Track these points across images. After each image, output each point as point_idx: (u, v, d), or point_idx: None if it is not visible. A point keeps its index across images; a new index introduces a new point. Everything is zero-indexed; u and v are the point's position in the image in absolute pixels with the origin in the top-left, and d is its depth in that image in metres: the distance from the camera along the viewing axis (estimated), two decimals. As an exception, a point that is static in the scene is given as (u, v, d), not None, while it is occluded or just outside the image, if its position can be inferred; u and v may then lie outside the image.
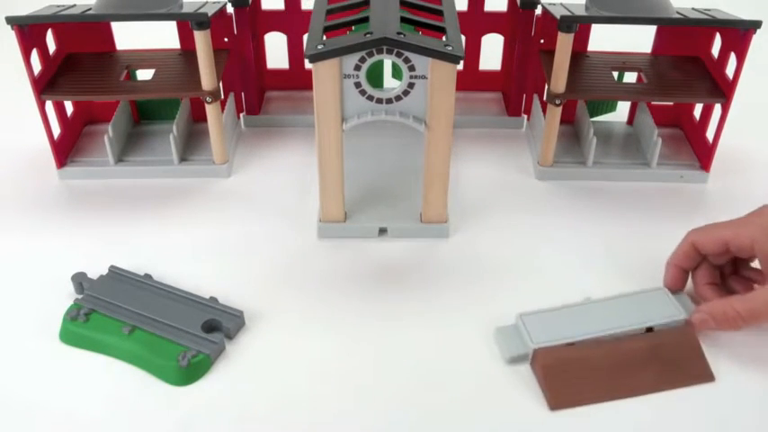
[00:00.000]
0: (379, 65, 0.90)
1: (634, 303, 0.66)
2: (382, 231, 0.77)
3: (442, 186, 0.73)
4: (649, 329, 0.64)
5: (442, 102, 0.67)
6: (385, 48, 0.64)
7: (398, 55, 0.65)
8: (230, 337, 0.65)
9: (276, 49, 0.97)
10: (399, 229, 0.76)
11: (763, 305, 0.61)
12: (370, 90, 0.67)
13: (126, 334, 0.63)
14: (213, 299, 0.67)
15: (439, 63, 0.65)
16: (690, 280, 0.69)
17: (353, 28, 0.77)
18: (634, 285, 0.68)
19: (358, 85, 0.67)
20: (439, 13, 0.72)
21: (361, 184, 0.81)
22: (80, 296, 0.68)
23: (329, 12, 0.71)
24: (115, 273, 0.69)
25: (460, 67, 0.89)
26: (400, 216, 0.77)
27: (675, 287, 0.68)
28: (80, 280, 0.68)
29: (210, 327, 0.65)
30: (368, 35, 0.64)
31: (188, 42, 0.88)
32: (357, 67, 0.66)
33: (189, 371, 0.60)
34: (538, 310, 0.65)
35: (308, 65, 0.71)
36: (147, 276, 0.69)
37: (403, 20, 0.68)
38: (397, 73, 0.90)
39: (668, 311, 0.65)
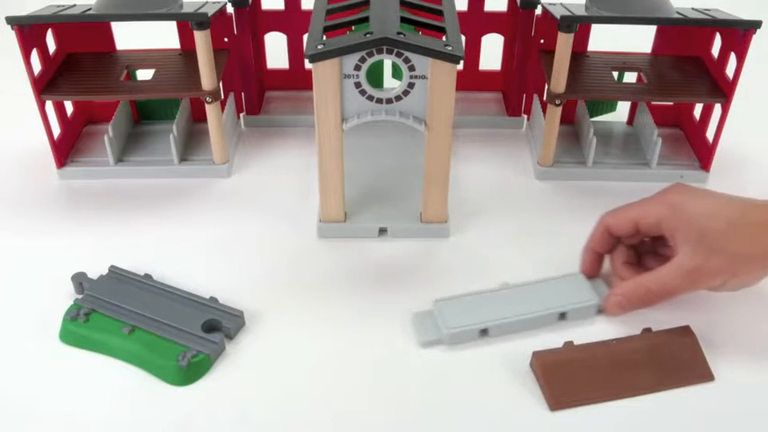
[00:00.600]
0: (379, 65, 0.90)
1: (549, 289, 0.67)
2: (382, 231, 0.77)
3: (442, 186, 0.73)
4: (647, 330, 0.64)
5: (442, 102, 0.67)
6: (385, 48, 0.64)
7: (398, 55, 0.65)
8: (230, 337, 0.65)
9: (276, 49, 0.97)
10: (399, 229, 0.76)
11: (671, 279, 0.62)
12: (370, 90, 0.67)
13: (126, 334, 0.63)
14: (213, 299, 0.67)
15: (439, 63, 0.65)
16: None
17: (353, 28, 0.77)
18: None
19: (358, 85, 0.67)
20: (439, 13, 0.72)
21: (361, 184, 0.81)
22: (80, 296, 0.68)
23: (329, 12, 0.71)
24: (115, 273, 0.69)
25: (460, 67, 0.89)
26: (400, 216, 0.77)
27: (591, 272, 0.70)
28: (80, 280, 0.68)
29: (210, 327, 0.65)
30: (368, 35, 0.64)
31: (188, 42, 0.88)
32: (357, 67, 0.66)
33: (189, 371, 0.60)
34: (454, 295, 0.66)
35: (308, 65, 0.71)
36: (147, 276, 0.69)
37: (403, 20, 0.68)
38: (397, 73, 0.89)
39: (582, 296, 0.67)
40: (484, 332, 0.64)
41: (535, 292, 0.67)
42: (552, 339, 0.64)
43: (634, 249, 0.70)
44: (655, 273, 0.63)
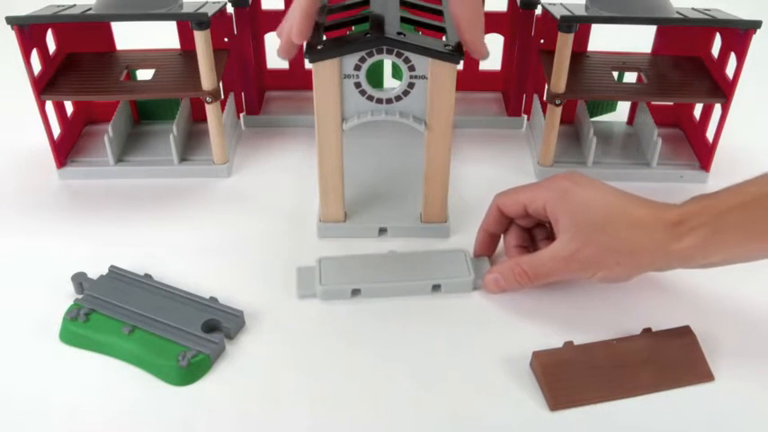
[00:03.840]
0: (379, 65, 0.90)
1: (429, 260, 0.70)
2: (382, 231, 0.77)
3: (442, 186, 0.73)
4: (647, 329, 0.64)
5: (441, 102, 0.67)
6: (385, 48, 0.64)
7: (398, 55, 0.65)
8: (230, 337, 0.65)
9: (276, 50, 0.96)
10: (399, 229, 0.76)
11: (547, 262, 0.64)
12: (370, 90, 0.67)
13: (126, 334, 0.63)
14: (213, 299, 0.67)
15: (439, 63, 0.65)
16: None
17: (353, 28, 0.77)
18: (631, 285, 0.68)
19: (358, 85, 0.67)
20: (439, 13, 0.72)
21: (361, 184, 0.81)
22: (80, 296, 0.68)
23: (329, 12, 0.71)
24: (115, 273, 0.69)
25: (460, 67, 0.89)
26: (400, 216, 0.77)
27: (483, 252, 0.72)
28: (80, 280, 0.68)
29: (210, 327, 0.65)
30: (368, 35, 0.64)
31: (188, 42, 0.88)
32: (357, 67, 0.66)
33: (189, 371, 0.60)
34: (338, 255, 0.71)
35: (308, 65, 0.71)
36: (147, 276, 0.69)
37: (403, 20, 0.68)
38: (397, 73, 0.89)
39: (459, 272, 0.69)
40: (356, 292, 0.67)
41: (415, 262, 0.70)
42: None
43: (529, 233, 0.71)
44: (532, 255, 0.65)
